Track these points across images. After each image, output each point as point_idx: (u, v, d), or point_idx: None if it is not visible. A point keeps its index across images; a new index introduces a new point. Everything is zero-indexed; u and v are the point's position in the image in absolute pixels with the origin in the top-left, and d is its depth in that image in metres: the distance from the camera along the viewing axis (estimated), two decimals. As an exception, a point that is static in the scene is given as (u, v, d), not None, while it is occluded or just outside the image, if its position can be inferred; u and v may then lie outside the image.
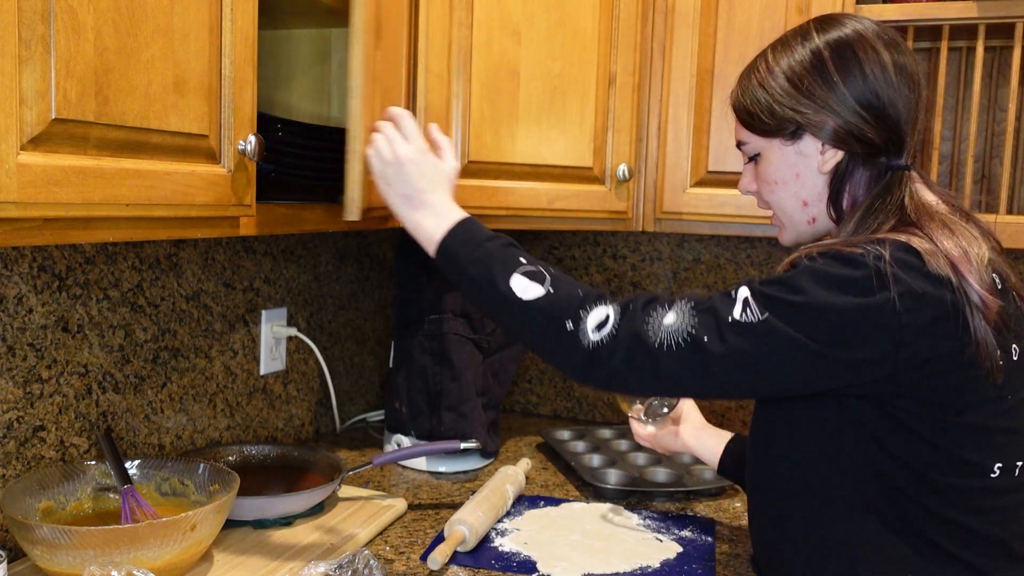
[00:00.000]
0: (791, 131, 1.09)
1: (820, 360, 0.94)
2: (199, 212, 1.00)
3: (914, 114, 1.07)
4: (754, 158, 1.15)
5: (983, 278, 0.95)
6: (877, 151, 1.06)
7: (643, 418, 1.39)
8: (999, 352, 0.96)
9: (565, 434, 1.88)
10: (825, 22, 1.10)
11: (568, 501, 1.53)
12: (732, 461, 1.36)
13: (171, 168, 0.95)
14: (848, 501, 1.02)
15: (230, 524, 1.28)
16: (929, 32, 1.63)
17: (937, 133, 1.61)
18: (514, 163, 1.56)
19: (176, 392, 1.46)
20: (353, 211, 1.17)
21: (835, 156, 1.08)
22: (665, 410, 1.37)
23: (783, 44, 1.11)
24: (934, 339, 0.94)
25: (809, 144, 1.09)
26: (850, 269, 0.94)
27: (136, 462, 1.26)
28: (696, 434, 1.39)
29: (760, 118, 1.11)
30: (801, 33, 1.11)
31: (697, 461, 1.70)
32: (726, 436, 1.39)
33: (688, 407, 1.42)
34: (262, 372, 1.67)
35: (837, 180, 1.09)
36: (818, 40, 1.08)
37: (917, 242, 0.96)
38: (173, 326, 1.44)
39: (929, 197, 1.05)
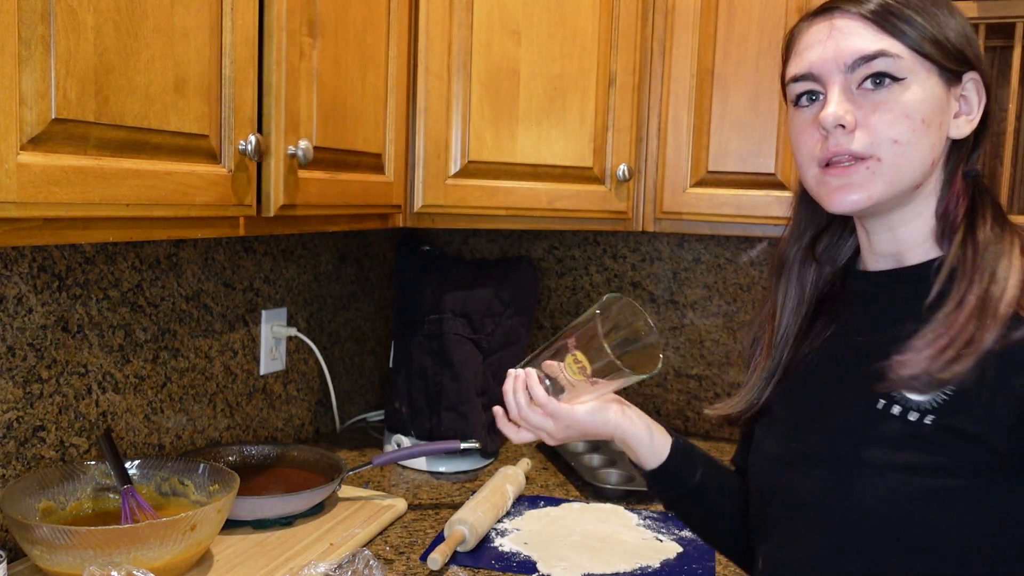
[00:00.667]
0: (954, 67, 0.87)
1: None
2: (199, 212, 1.00)
3: None
4: (884, 80, 0.85)
5: None
6: (980, 141, 0.91)
7: (571, 380, 0.99)
8: None
9: (565, 434, 1.88)
10: None
11: (568, 501, 1.53)
12: (677, 477, 1.04)
13: (171, 168, 0.95)
14: None
15: (230, 524, 1.28)
16: (929, 32, 1.63)
17: (937, 133, 1.61)
18: (514, 163, 1.56)
19: (176, 392, 1.46)
20: (269, 208, 1.12)
21: (972, 123, 0.89)
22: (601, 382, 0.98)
23: None
24: None
25: (955, 96, 0.88)
26: None
27: (136, 462, 1.26)
28: (628, 415, 1.02)
29: (926, 29, 0.86)
30: None
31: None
32: (663, 430, 1.05)
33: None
34: (262, 372, 1.67)
35: (953, 162, 0.90)
36: None
37: None
38: (173, 326, 1.44)
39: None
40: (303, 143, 1.12)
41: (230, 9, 1.02)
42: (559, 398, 0.99)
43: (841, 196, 0.87)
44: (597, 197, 1.64)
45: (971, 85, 0.89)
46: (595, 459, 1.72)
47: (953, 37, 0.86)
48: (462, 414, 1.67)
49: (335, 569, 1.09)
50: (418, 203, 1.49)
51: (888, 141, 0.85)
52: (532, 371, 1.01)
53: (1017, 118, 1.66)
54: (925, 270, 0.89)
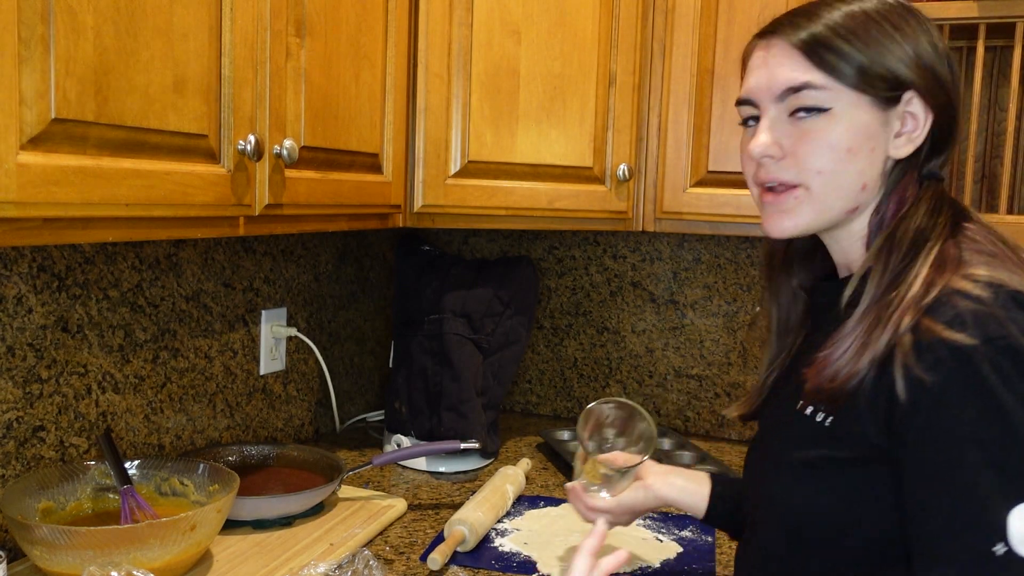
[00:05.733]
0: (889, 93, 0.87)
1: None
2: (199, 212, 1.00)
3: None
4: (810, 111, 0.88)
5: None
6: (942, 149, 0.91)
7: (594, 488, 1.14)
8: None
9: (565, 434, 1.88)
10: None
11: (568, 501, 1.53)
12: (727, 509, 1.15)
13: (171, 168, 0.95)
14: None
15: (230, 524, 1.28)
16: (929, 32, 1.63)
17: (937, 133, 1.61)
18: (514, 163, 1.55)
19: (176, 392, 1.46)
20: (255, 207, 1.12)
21: (914, 141, 0.89)
22: (624, 474, 1.12)
23: None
24: None
25: (896, 116, 0.88)
26: None
27: (136, 462, 1.26)
28: (668, 481, 1.15)
29: (856, 60, 0.86)
30: None
31: (699, 460, 1.70)
32: (700, 477, 1.17)
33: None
34: (262, 372, 1.67)
35: (896, 176, 0.90)
36: None
37: None
38: (173, 326, 1.44)
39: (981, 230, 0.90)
40: (288, 142, 1.12)
41: (229, 9, 1.02)
42: (611, 492, 1.13)
43: (774, 222, 0.93)
44: (597, 197, 1.64)
45: (916, 102, 0.89)
46: (595, 459, 1.72)
47: (890, 64, 0.87)
48: (462, 414, 1.67)
49: (335, 569, 1.09)
50: (418, 203, 1.49)
51: (814, 171, 0.88)
52: (574, 485, 1.15)
53: (1017, 118, 1.66)
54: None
